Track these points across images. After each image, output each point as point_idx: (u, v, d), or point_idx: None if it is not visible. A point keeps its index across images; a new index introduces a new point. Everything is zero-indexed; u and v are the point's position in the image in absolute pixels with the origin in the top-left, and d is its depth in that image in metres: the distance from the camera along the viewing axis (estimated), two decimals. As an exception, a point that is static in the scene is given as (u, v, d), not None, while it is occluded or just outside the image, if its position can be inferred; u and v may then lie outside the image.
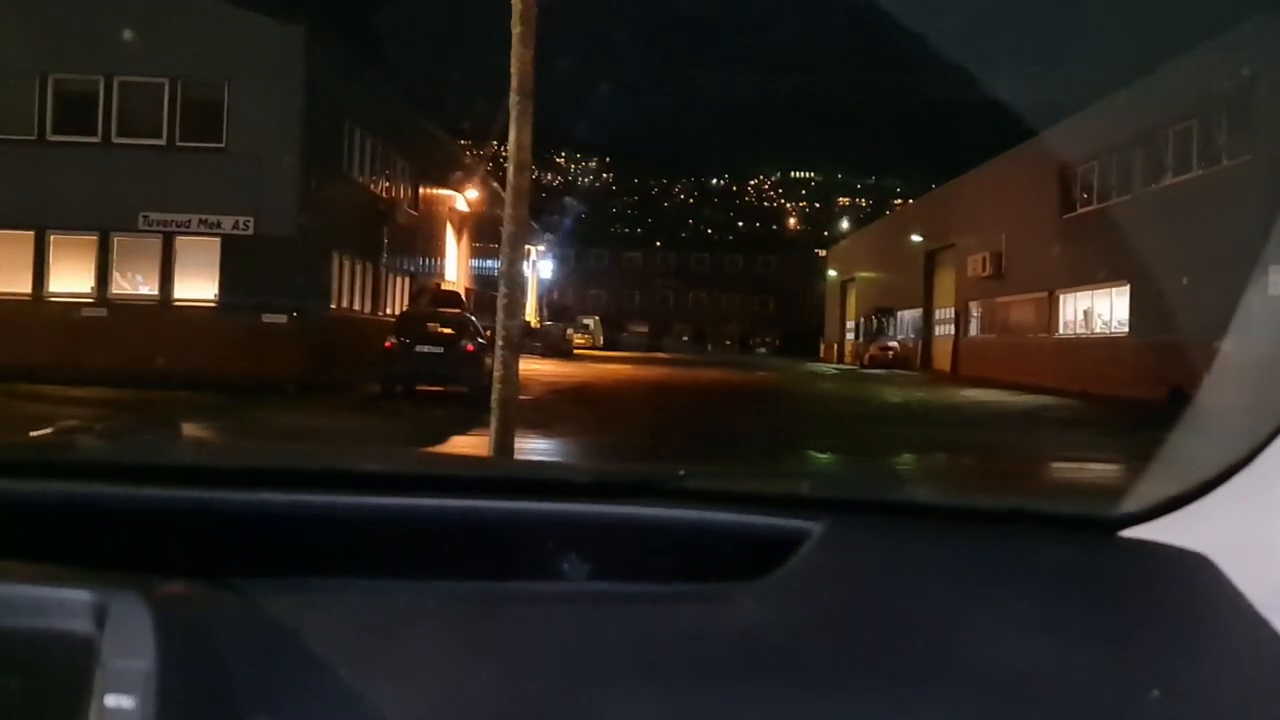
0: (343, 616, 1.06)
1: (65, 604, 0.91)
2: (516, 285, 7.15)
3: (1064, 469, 13.55)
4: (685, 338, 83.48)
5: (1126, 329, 27.58)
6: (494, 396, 6.91)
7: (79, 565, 0.99)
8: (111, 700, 0.85)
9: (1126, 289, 27.63)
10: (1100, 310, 29.82)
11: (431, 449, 8.77)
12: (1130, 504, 1.32)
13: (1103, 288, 29.18)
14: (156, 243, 22.96)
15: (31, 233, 22.84)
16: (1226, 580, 1.17)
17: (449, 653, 1.04)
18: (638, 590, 1.22)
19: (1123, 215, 27.96)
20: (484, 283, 39.96)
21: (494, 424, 6.87)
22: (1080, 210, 31.24)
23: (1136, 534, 1.29)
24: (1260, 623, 1.11)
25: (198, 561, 1.14)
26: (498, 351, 7.00)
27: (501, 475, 1.51)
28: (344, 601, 1.10)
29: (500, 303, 7.01)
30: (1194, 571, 1.20)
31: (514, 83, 6.98)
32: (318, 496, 1.32)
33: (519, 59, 6.96)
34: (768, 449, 13.62)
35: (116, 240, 23.08)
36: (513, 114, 7.05)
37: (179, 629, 0.91)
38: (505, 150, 7.59)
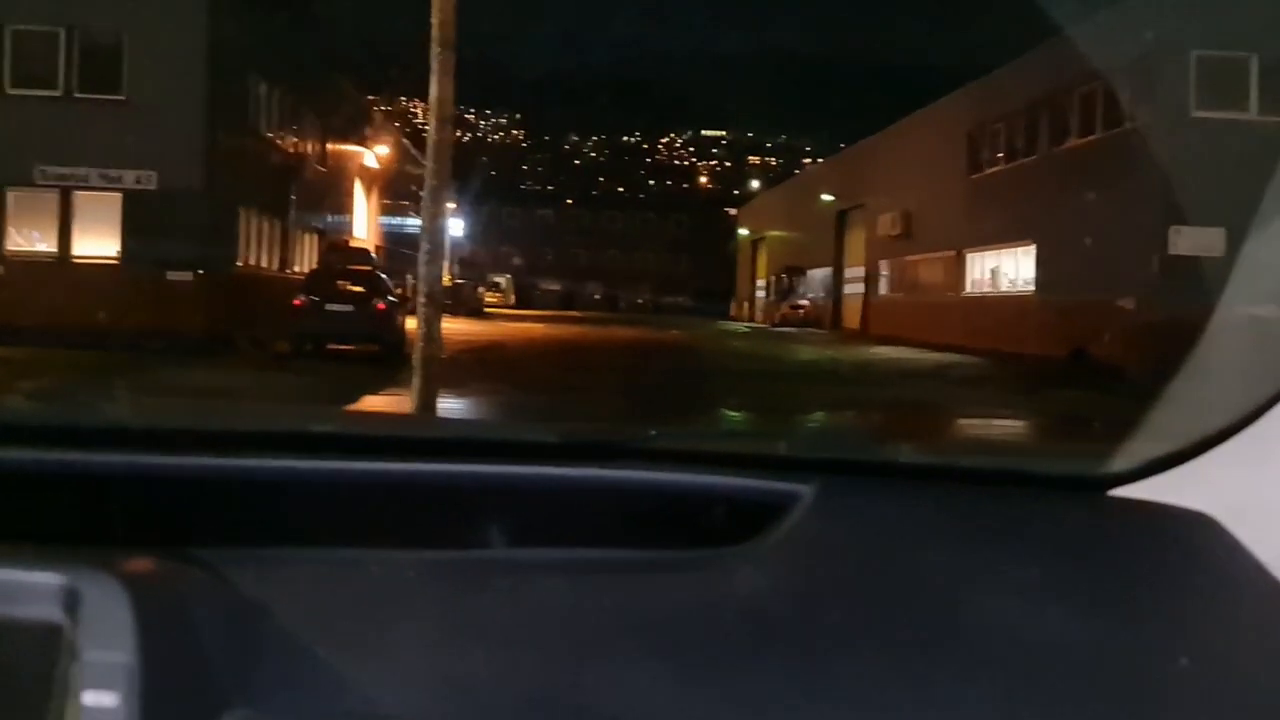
0: (317, 590, 1.01)
1: (30, 588, 0.84)
2: (438, 242, 7.06)
3: (973, 425, 13.81)
4: (598, 296, 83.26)
5: (1032, 288, 28.13)
6: (416, 354, 6.83)
7: (20, 539, 0.92)
8: (91, 698, 0.79)
9: (1032, 249, 28.18)
10: (1006, 270, 30.37)
11: (352, 409, 8.65)
12: (1121, 462, 1.31)
13: (1009, 247, 29.71)
14: (54, 197, 22.25)
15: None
16: (1234, 540, 1.16)
17: (433, 628, 1.00)
18: (627, 557, 1.18)
19: (1028, 176, 28.48)
20: (394, 240, 39.47)
21: (417, 382, 6.80)
22: (987, 171, 31.72)
23: (1130, 493, 1.28)
24: (1276, 585, 1.10)
25: (148, 531, 1.09)
26: (420, 309, 6.92)
27: (469, 437, 1.47)
28: (317, 574, 1.05)
29: (422, 259, 6.92)
30: (1199, 531, 1.19)
31: (435, 34, 6.86)
32: (276, 460, 1.26)
33: (440, 10, 6.84)
34: (683, 407, 13.67)
35: (11, 195, 22.32)
36: (434, 66, 6.93)
37: (155, 613, 0.85)
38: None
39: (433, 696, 0.92)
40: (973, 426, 13.49)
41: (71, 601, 0.83)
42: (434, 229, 7.10)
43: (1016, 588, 1.08)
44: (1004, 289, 30.34)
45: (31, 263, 22.23)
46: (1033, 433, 12.74)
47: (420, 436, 1.45)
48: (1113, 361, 20.21)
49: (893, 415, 14.20)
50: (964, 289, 33.01)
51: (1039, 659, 0.99)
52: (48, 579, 0.83)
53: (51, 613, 0.82)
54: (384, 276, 21.28)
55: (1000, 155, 31.01)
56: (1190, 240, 20.74)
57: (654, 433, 1.44)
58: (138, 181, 21.98)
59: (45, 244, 22.55)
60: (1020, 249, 28.95)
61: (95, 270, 21.92)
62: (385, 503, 1.25)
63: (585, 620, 1.01)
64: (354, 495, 1.25)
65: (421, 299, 6.94)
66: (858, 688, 0.96)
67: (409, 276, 23.30)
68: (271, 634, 0.93)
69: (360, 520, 1.22)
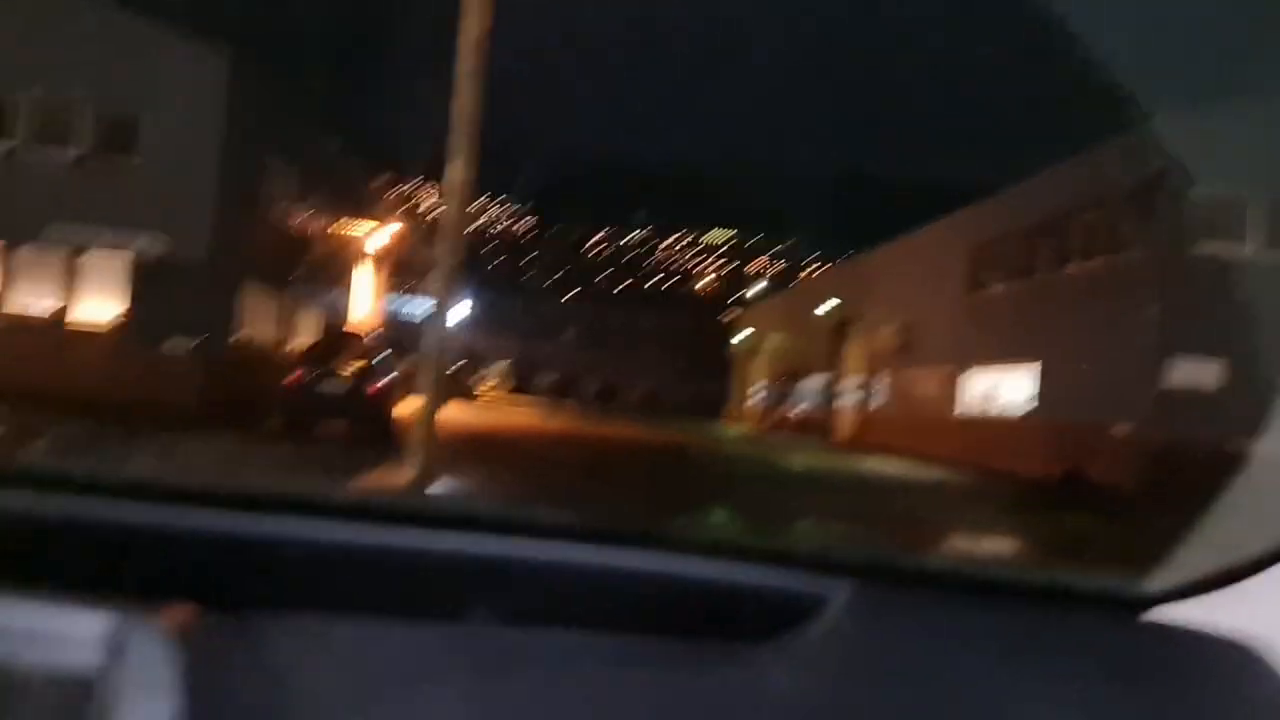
0: (345, 656, 1.00)
1: (76, 637, 0.84)
2: (445, 325, 7.04)
3: (964, 545, 13.67)
4: (594, 389, 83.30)
5: (1026, 408, 28.15)
6: (416, 434, 6.76)
7: (59, 587, 0.90)
8: None
9: (1028, 369, 28.25)
10: (1002, 389, 30.42)
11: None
12: (1160, 581, 1.30)
13: (1005, 366, 29.80)
14: (60, 257, 22.37)
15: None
16: (1274, 668, 1.13)
17: (463, 701, 0.98)
18: (658, 647, 1.16)
19: (1028, 297, 28.67)
20: (394, 323, 39.55)
21: (418, 462, 6.72)
22: (988, 290, 31.94)
23: (1168, 614, 1.26)
24: None
25: (180, 587, 1.06)
26: (421, 392, 6.87)
27: (500, 515, 1.43)
28: (346, 640, 1.03)
29: (430, 338, 6.88)
30: (1239, 658, 1.16)
31: (460, 116, 6.89)
32: (310, 524, 1.23)
33: (464, 94, 6.89)
34: (677, 507, 13.54)
35: (19, 253, 22.44)
36: (453, 148, 6.95)
37: (197, 666, 0.85)
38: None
39: None
40: (965, 547, 13.35)
41: (116, 649, 0.83)
42: (442, 311, 7.08)
43: (1052, 708, 1.05)
44: (998, 408, 30.35)
45: (28, 325, 22.22)
46: (1033, 556, 12.61)
47: (452, 513, 1.41)
48: (1105, 485, 20.15)
49: (889, 534, 14.06)
50: (959, 405, 33.02)
51: None
52: (92, 626, 0.83)
53: (96, 660, 0.82)
54: (380, 358, 21.26)
55: (1001, 275, 31.25)
56: (1187, 372, 20.81)
57: (682, 521, 1.41)
58: (144, 246, 22.09)
59: (46, 305, 22.55)
60: (1016, 368, 29.02)
61: (93, 336, 21.92)
62: (417, 573, 1.22)
63: (615, 707, 1.00)
64: (386, 564, 1.23)
65: (422, 383, 6.90)
66: None
67: (405, 358, 23.32)
68: (304, 696, 0.92)
69: (392, 590, 1.20)
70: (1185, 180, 22.32)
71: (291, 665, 0.95)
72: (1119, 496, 18.71)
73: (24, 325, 22.13)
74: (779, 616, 1.18)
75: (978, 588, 1.39)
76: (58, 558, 1.04)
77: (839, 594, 1.20)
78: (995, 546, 13.01)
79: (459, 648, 1.06)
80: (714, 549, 1.31)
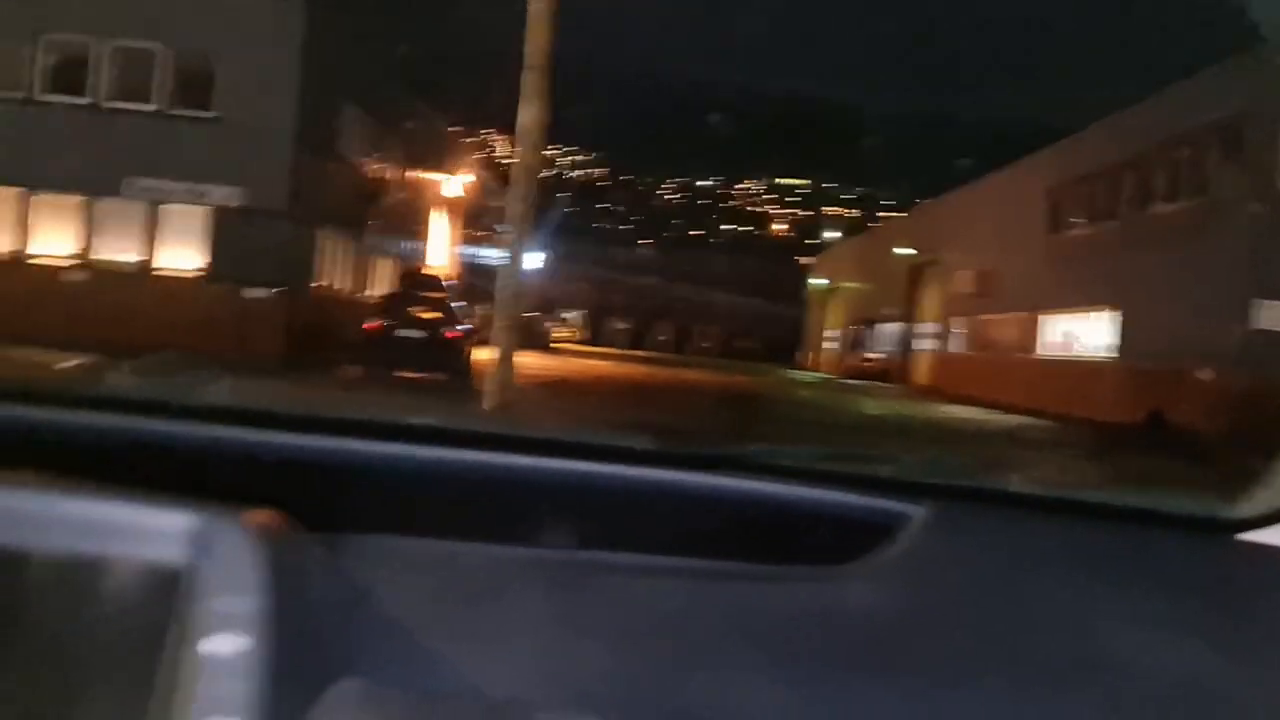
0: (425, 576, 1.01)
1: (162, 530, 0.84)
2: (519, 270, 7.05)
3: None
4: (665, 337, 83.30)
5: (1107, 352, 27.66)
6: (490, 381, 6.81)
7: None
8: (213, 642, 0.79)
9: (1108, 313, 27.72)
10: (1082, 333, 29.91)
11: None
12: (1249, 508, 1.27)
13: (1086, 310, 29.27)
14: (143, 209, 22.72)
15: (14, 190, 22.55)
16: None
17: (540, 621, 0.99)
18: (736, 568, 1.15)
19: (1109, 240, 28.07)
20: (470, 270, 39.77)
21: (488, 407, 6.78)
22: (1067, 232, 31.32)
23: (1258, 538, 1.24)
24: None
25: (255, 504, 1.08)
26: (496, 335, 6.90)
27: (577, 440, 1.44)
28: (426, 561, 1.05)
29: (501, 287, 6.91)
30: None
31: (530, 58, 6.85)
32: (386, 447, 1.24)
33: (534, 35, 6.84)
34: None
35: (101, 205, 22.82)
36: (525, 91, 6.91)
37: (281, 568, 0.85)
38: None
39: (539, 685, 0.92)
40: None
41: (202, 546, 0.83)
42: (516, 255, 7.09)
43: (1144, 624, 1.05)
44: (1079, 352, 29.85)
45: (115, 273, 22.67)
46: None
47: (530, 436, 1.42)
48: (1190, 429, 19.79)
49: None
50: (1038, 350, 32.53)
51: (1168, 695, 0.96)
52: (178, 521, 0.84)
53: (181, 555, 0.83)
54: (456, 305, 21.40)
55: (1082, 217, 30.61)
56: (1276, 315, 20.31)
57: (756, 448, 1.41)
58: (224, 198, 22.38)
59: (130, 254, 22.98)
60: (1098, 312, 28.49)
61: (175, 283, 22.32)
62: (492, 496, 1.24)
63: (693, 626, 1.00)
64: (462, 487, 1.24)
65: (499, 326, 6.93)
66: (982, 711, 0.94)
67: (479, 307, 23.46)
68: (385, 614, 0.94)
69: (468, 512, 1.21)
70: (1275, 116, 21.63)
71: (371, 580, 0.97)
72: (1204, 440, 18.36)
73: (112, 272, 22.60)
74: (858, 538, 1.17)
75: (1063, 509, 1.37)
76: (143, 476, 1.06)
77: (919, 515, 1.19)
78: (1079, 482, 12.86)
79: (536, 569, 1.07)
80: (792, 473, 1.31)
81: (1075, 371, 29.14)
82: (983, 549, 1.18)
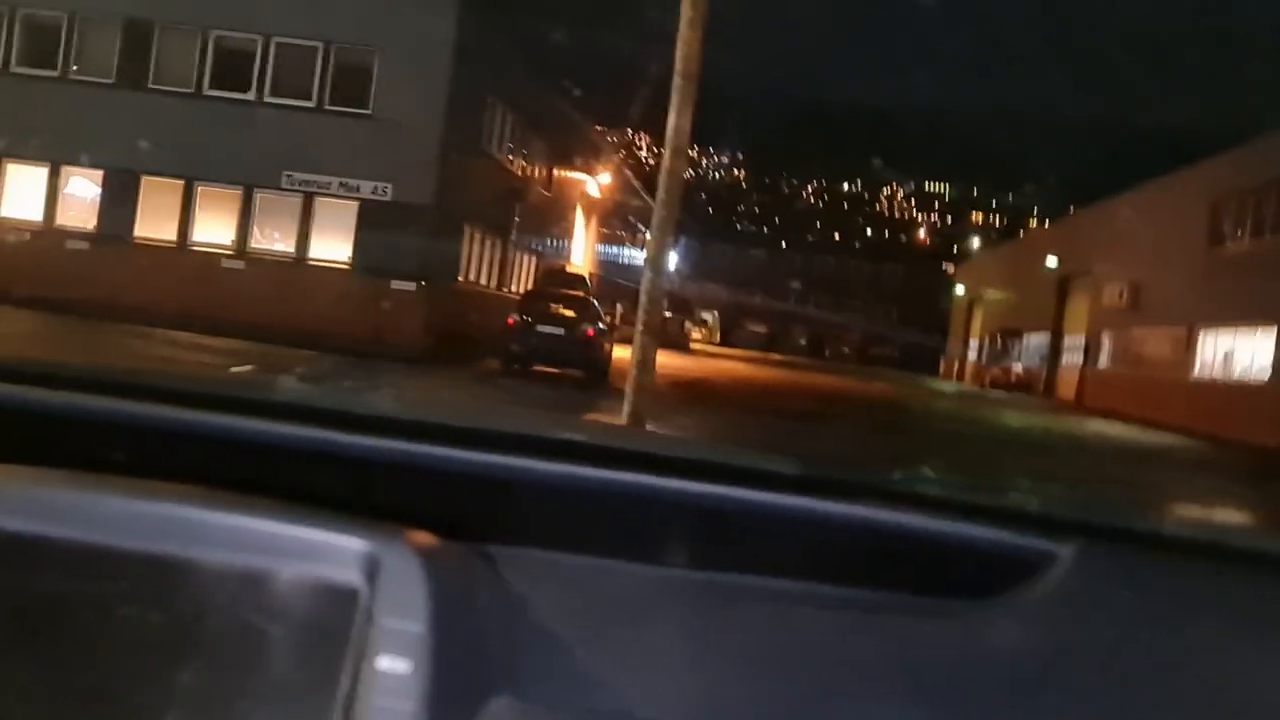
0: (577, 592, 1.03)
1: (336, 550, 0.87)
2: (661, 272, 7.04)
3: (1195, 512, 13.03)
4: (803, 340, 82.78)
5: (1269, 374, 26.49)
6: (629, 383, 6.83)
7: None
8: (385, 662, 0.82)
9: (1274, 332, 26.55)
10: (1242, 352, 28.71)
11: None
12: None
13: (1248, 328, 28.08)
14: (297, 201, 23.45)
15: (181, 182, 23.50)
16: None
17: (687, 643, 0.99)
18: (879, 599, 1.13)
19: (1275, 255, 26.89)
20: (609, 268, 40.15)
21: (626, 409, 6.79)
22: (1229, 245, 30.11)
23: None
24: None
25: (420, 519, 1.08)
26: (638, 337, 6.91)
27: (713, 460, 1.41)
28: (578, 577, 1.06)
29: (644, 288, 6.91)
30: None
31: (678, 65, 6.86)
32: (538, 463, 1.24)
33: (686, 42, 6.84)
34: (883, 464, 13.35)
35: (259, 196, 23.62)
36: (674, 97, 6.92)
37: (447, 590, 0.88)
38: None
39: (686, 707, 0.92)
40: (1196, 516, 12.70)
41: (372, 568, 0.86)
42: (658, 259, 7.08)
43: None
44: (1238, 372, 28.65)
45: (271, 261, 23.45)
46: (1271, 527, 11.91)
47: (669, 454, 1.40)
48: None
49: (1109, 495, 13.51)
50: (1193, 368, 31.33)
51: None
52: (351, 543, 0.87)
53: (353, 576, 0.86)
54: (596, 303, 21.58)
55: (1246, 230, 29.39)
56: None
57: (898, 475, 1.39)
58: (374, 192, 22.94)
59: (285, 244, 23.74)
60: (1261, 331, 27.30)
61: (327, 274, 22.97)
62: (633, 515, 1.22)
63: (839, 655, 1.00)
64: (607, 505, 1.23)
65: (640, 328, 6.93)
66: None
67: (619, 305, 23.61)
68: (535, 629, 0.96)
69: (612, 531, 1.20)
70: None
71: (523, 596, 0.99)
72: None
73: (268, 260, 23.39)
74: (1003, 573, 1.13)
75: (1214, 554, 1.30)
76: (308, 485, 1.07)
77: (1066, 553, 1.14)
78: (1228, 517, 12.37)
79: (679, 590, 1.07)
80: (936, 504, 1.28)
81: (1232, 391, 28.01)
82: (1131, 591, 1.13)
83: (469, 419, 1.48)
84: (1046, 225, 69.98)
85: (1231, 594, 1.15)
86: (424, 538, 0.93)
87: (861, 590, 1.14)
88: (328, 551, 0.87)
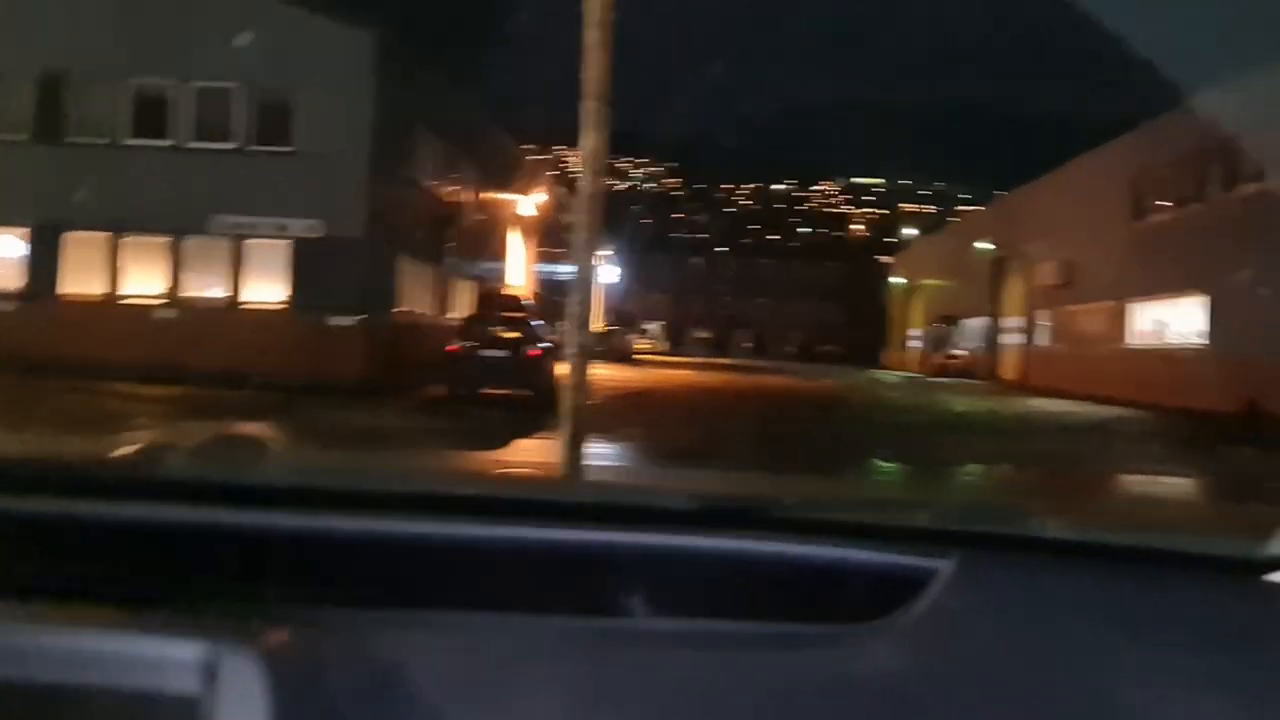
0: (450, 653, 1.02)
1: (173, 661, 0.86)
2: (588, 292, 7.10)
3: (1139, 485, 13.26)
4: (748, 344, 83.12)
5: (1200, 340, 27.00)
6: (565, 404, 6.88)
7: (171, 590, 0.96)
8: None
9: (1200, 300, 27.08)
10: (1173, 321, 29.24)
11: (508, 462, 8.74)
12: (1278, 544, 1.25)
13: (1176, 298, 28.62)
14: (227, 245, 23.24)
15: (106, 235, 23.21)
16: None
17: (569, 694, 0.99)
18: (763, 631, 1.16)
19: (1196, 224, 27.42)
20: (548, 287, 40.07)
21: (565, 431, 6.83)
22: (1152, 219, 30.67)
23: None
24: None
25: (291, 590, 1.10)
26: (570, 358, 6.97)
27: (607, 502, 1.45)
28: (450, 637, 1.05)
29: (572, 308, 6.98)
30: None
31: (589, 87, 6.94)
32: (417, 524, 1.27)
33: (594, 64, 6.92)
34: (832, 458, 13.48)
35: (187, 243, 23.39)
36: (587, 119, 7.00)
37: (292, 686, 0.87)
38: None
39: None
40: (1138, 486, 12.94)
41: (210, 674, 0.84)
42: (584, 279, 7.15)
43: (1171, 678, 1.03)
44: (1170, 341, 29.18)
45: (204, 307, 23.21)
46: (1202, 495, 12.15)
47: (557, 500, 1.44)
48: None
49: (1050, 476, 13.72)
50: (1127, 340, 31.87)
51: None
52: (187, 652, 0.85)
53: (191, 685, 0.84)
54: (537, 323, 21.57)
55: (1166, 202, 29.95)
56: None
57: (791, 501, 1.41)
58: (305, 229, 22.80)
59: (217, 289, 23.51)
60: (1188, 300, 27.83)
61: (262, 315, 22.77)
62: (522, 568, 1.25)
63: (722, 695, 1.00)
64: (492, 560, 1.25)
65: (571, 348, 6.99)
66: None
67: (562, 323, 23.61)
68: (409, 696, 0.94)
69: (497, 584, 1.22)
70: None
71: (393, 666, 0.97)
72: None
73: (202, 307, 23.14)
74: (889, 594, 1.16)
75: (1091, 553, 1.35)
76: (195, 564, 1.10)
77: (946, 568, 1.18)
78: (1174, 489, 12.58)
79: (568, 639, 1.08)
80: (827, 528, 1.31)
81: (1166, 360, 28.50)
82: (1007, 601, 1.17)
83: (353, 480, 1.51)
84: (977, 210, 70.67)
85: (1112, 593, 1.19)
86: (267, 635, 0.91)
87: (756, 624, 1.17)
88: (165, 663, 0.85)
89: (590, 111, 7.00)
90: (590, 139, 7.04)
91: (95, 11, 22.44)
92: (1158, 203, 30.48)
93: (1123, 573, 1.27)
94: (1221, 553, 1.35)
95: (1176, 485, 12.94)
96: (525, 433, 14.02)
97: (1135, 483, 13.40)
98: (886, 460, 13.84)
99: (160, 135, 23.23)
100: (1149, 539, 1.39)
